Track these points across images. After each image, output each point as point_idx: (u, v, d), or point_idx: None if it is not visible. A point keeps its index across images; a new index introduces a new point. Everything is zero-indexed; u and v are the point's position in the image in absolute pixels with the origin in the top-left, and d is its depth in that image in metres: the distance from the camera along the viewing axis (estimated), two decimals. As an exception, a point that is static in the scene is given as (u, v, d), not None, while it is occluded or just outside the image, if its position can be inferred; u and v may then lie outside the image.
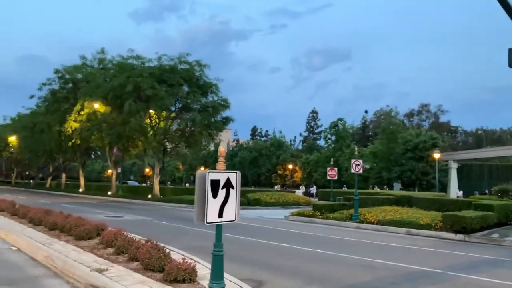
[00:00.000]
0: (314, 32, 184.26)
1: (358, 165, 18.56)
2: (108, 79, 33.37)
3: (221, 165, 4.22)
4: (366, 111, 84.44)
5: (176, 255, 6.94)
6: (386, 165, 47.20)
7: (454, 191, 41.21)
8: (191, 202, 26.16)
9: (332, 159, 30.23)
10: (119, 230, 7.65)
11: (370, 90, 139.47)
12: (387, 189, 47.18)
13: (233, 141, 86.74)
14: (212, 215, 4.08)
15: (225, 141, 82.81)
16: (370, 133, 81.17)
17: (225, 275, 5.99)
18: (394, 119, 59.11)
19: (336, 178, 25.54)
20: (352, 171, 18.66)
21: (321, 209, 19.71)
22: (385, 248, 11.45)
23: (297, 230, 15.12)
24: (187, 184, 68.26)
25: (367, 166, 50.41)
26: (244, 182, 68.71)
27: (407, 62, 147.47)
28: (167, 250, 6.12)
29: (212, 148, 67.50)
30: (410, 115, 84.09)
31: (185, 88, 33.17)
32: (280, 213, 21.66)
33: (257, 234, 13.48)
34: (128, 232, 8.44)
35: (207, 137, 36.43)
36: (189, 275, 5.21)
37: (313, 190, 43.79)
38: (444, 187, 46.86)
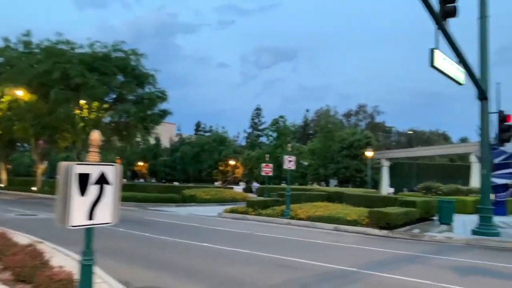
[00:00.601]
0: (263, 30, 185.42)
1: (291, 161, 18.50)
2: (34, 64, 30.74)
3: (93, 156, 3.56)
4: (307, 110, 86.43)
5: (71, 262, 6.13)
6: (323, 162, 48.40)
7: (386, 188, 43.16)
8: (123, 199, 24.84)
9: (267, 155, 30.08)
10: (2, 233, 6.66)
11: (315, 91, 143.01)
12: (325, 185, 48.49)
13: (176, 135, 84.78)
14: (78, 217, 3.41)
15: (167, 135, 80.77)
16: (311, 131, 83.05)
17: (114, 282, 5.33)
18: (332, 118, 60.81)
19: (271, 174, 25.44)
20: (285, 167, 18.57)
21: (254, 205, 19.43)
22: (309, 245, 11.31)
23: (226, 228, 14.66)
24: (124, 180, 65.52)
25: (306, 163, 51.58)
26: (185, 178, 67.32)
27: (351, 65, 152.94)
28: (46, 257, 5.32)
29: (153, 141, 65.43)
30: (348, 115, 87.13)
31: (120, 78, 31.50)
32: (214, 210, 21.10)
33: (181, 233, 12.84)
34: (29, 233, 7.47)
35: (142, 130, 34.90)
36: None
37: (255, 186, 43.80)
38: (377, 184, 48.94)
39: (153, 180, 67.25)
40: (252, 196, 31.00)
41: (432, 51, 10.18)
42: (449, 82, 12.43)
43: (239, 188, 41.49)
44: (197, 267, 7.55)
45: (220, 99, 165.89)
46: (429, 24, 10.20)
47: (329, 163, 47.92)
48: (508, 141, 13.68)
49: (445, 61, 10.83)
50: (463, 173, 43.51)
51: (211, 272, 7.23)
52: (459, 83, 11.89)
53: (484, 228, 13.50)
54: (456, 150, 47.67)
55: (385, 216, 14.38)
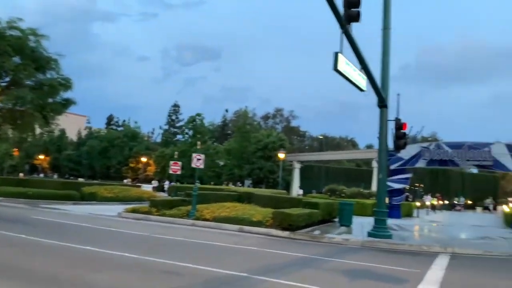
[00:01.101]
0: (186, 26, 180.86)
1: (200, 159, 17.85)
2: None
3: None
4: (226, 110, 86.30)
5: None
6: (238, 162, 48.47)
7: (296, 190, 44.44)
8: (10, 194, 22.11)
9: (176, 153, 29.06)
10: None
11: (237, 92, 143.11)
12: (241, 185, 48.59)
13: (85, 128, 79.18)
14: None
15: (76, 128, 74.90)
16: (229, 132, 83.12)
17: None
18: (250, 120, 61.37)
19: (179, 172, 24.49)
20: (193, 165, 17.86)
21: (158, 205, 18.37)
22: (207, 248, 10.75)
23: (122, 229, 13.48)
24: (21, 174, 59.26)
25: (221, 163, 51.31)
26: (92, 175, 62.94)
27: (273, 69, 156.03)
28: None
29: (57, 133, 60.12)
30: (266, 117, 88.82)
31: (16, 60, 28.07)
32: (115, 210, 19.55)
33: (64, 234, 11.48)
34: None
35: (40, 120, 31.48)
36: None
37: (168, 185, 42.29)
38: (288, 186, 50.29)
39: (55, 176, 61.85)
40: (162, 196, 29.69)
41: (336, 54, 10.24)
42: (359, 92, 13.05)
43: (149, 187, 39.69)
44: (63, 277, 6.53)
45: (138, 93, 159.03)
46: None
47: (244, 164, 48.13)
48: (403, 147, 14.48)
49: (348, 66, 11.01)
50: (367, 177, 46.56)
51: (78, 282, 6.27)
52: (361, 90, 12.23)
53: (379, 231, 14.11)
54: (361, 156, 50.85)
55: (288, 217, 14.38)
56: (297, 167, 49.86)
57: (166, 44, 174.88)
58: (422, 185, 54.12)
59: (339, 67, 10.35)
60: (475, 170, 71.91)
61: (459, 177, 59.65)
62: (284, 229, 14.38)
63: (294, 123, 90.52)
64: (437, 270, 9.22)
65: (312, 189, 46.37)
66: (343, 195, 27.01)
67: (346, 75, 10.80)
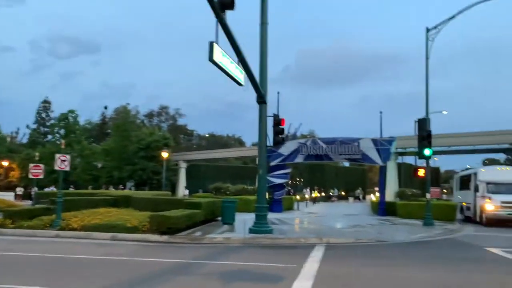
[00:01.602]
0: (61, 16, 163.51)
1: (64, 161, 15.70)
2: None
3: None
4: (106, 107, 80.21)
5: None
6: (118, 163, 45.23)
7: (182, 190, 43.26)
8: None
9: (37, 154, 25.70)
10: None
11: (120, 89, 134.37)
12: (122, 188, 45.39)
13: None
14: None
15: None
16: (109, 130, 77.60)
17: None
18: (132, 118, 57.98)
19: (41, 176, 21.56)
20: (56, 168, 15.64)
21: (14, 216, 15.69)
22: (68, 263, 9.24)
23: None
24: None
25: (99, 165, 47.35)
26: None
27: (159, 66, 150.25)
28: None
29: None
30: (150, 115, 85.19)
31: None
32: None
33: None
34: None
35: None
36: None
37: (35, 191, 37.18)
38: (175, 186, 48.80)
39: None
40: (25, 204, 25.88)
41: (211, 44, 9.65)
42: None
43: (10, 195, 34.54)
44: None
45: (2, 88, 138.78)
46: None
47: (125, 165, 45.07)
48: (282, 143, 14.62)
49: (225, 58, 10.52)
50: (253, 174, 47.45)
51: None
52: (240, 84, 11.88)
53: (260, 227, 14.00)
54: (247, 153, 51.78)
55: (167, 220, 13.41)
56: (183, 166, 48.63)
57: (36, 34, 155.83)
58: (302, 179, 57.44)
59: (215, 58, 9.78)
60: (347, 164, 79.17)
61: (333, 170, 64.88)
62: (162, 233, 13.37)
63: (181, 122, 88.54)
64: (313, 262, 9.26)
65: (199, 188, 45.67)
66: (228, 192, 26.85)
67: (223, 66, 10.30)
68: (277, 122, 14.41)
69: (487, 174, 20.66)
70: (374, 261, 9.87)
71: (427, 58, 18.90)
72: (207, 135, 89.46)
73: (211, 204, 17.25)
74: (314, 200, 42.97)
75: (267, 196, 27.15)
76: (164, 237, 13.16)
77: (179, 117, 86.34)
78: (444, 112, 35.38)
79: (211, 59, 9.72)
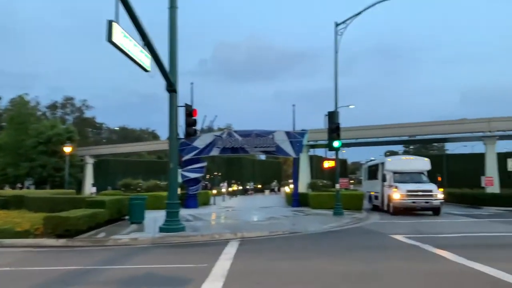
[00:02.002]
0: None
1: None
2: None
3: None
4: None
5: None
6: (13, 160, 40.50)
7: (89, 188, 40.20)
8: None
9: None
10: None
11: (19, 78, 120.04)
12: (20, 187, 40.74)
13: None
14: None
15: None
16: (4, 123, 69.41)
17: None
18: (31, 110, 52.41)
19: None
20: None
21: None
22: None
23: None
24: None
25: (-10, 162, 41.98)
26: None
27: (65, 55, 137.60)
28: None
29: None
30: (53, 107, 78.15)
31: None
32: None
33: None
34: None
35: None
36: None
37: None
38: (81, 184, 45.21)
39: None
40: None
41: (110, 23, 8.59)
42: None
43: None
44: None
45: None
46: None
47: (22, 161, 40.46)
48: (194, 135, 13.88)
49: (127, 40, 9.48)
50: (168, 169, 45.74)
51: None
52: (145, 70, 10.90)
53: (171, 224, 13.16)
54: (160, 147, 49.72)
55: (64, 221, 11.94)
56: (90, 162, 45.19)
57: None
58: (219, 173, 57.06)
59: (115, 39, 8.72)
60: (262, 157, 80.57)
61: (250, 164, 65.55)
62: (59, 236, 11.89)
63: (88, 114, 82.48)
64: (225, 260, 8.76)
65: (109, 185, 42.81)
66: (139, 189, 25.32)
67: (124, 49, 9.25)
68: (189, 112, 13.63)
69: (393, 163, 21.36)
70: (288, 254, 9.67)
71: (336, 52, 19.47)
72: (117, 129, 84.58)
73: (116, 202, 15.88)
74: (231, 194, 42.80)
75: (179, 192, 26.29)
76: (61, 241, 11.71)
77: (86, 109, 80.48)
78: (351, 106, 37.32)
79: (109, 40, 8.65)
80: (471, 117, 29.65)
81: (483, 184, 25.25)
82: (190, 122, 13.64)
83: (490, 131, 27.31)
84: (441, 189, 20.09)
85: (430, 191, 19.07)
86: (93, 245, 11.81)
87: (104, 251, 10.77)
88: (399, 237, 12.10)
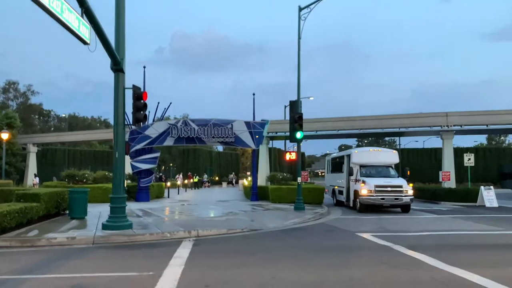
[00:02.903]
0: None
1: None
2: None
3: None
4: None
5: None
6: None
7: (31, 178, 37.10)
8: None
9: None
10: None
11: None
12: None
13: None
14: None
15: None
16: None
17: None
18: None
19: None
20: None
21: None
22: None
23: None
24: None
25: None
26: None
27: (11, 37, 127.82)
28: None
29: None
30: (-6, 91, 72.25)
31: None
32: None
33: None
34: None
35: None
36: None
37: None
38: (23, 174, 41.77)
39: None
40: None
41: (35, -23, 6.92)
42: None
43: None
44: None
45: None
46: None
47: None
48: (143, 121, 12.33)
49: (59, 3, 7.83)
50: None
51: None
52: (84, 42, 9.27)
53: (116, 221, 11.64)
54: (110, 136, 46.85)
55: (-16, 218, 10.13)
56: (33, 151, 41.71)
57: None
58: (175, 165, 55.06)
59: (42, -2, 7.07)
60: (220, 148, 79.01)
61: (207, 155, 63.90)
62: (-20, 235, 10.08)
63: (35, 101, 76.99)
64: (176, 266, 7.48)
65: (55, 176, 39.77)
66: (85, 180, 23.23)
67: (55, 12, 7.62)
68: (138, 96, 12.04)
69: (360, 156, 19.41)
70: (246, 258, 8.50)
71: (299, 38, 18.48)
72: (64, 116, 79.76)
73: (54, 195, 14.03)
74: (185, 187, 41.14)
75: (130, 184, 24.44)
76: (-17, 242, 9.92)
77: (32, 95, 74.95)
78: (311, 98, 36.87)
79: (34, -1, 7.01)
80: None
81: (440, 179, 25.42)
82: (139, 106, 12.07)
83: (447, 126, 27.60)
84: (411, 184, 18.76)
85: (400, 186, 17.44)
86: (20, 245, 10.10)
87: (32, 254, 9.14)
88: (366, 236, 11.31)
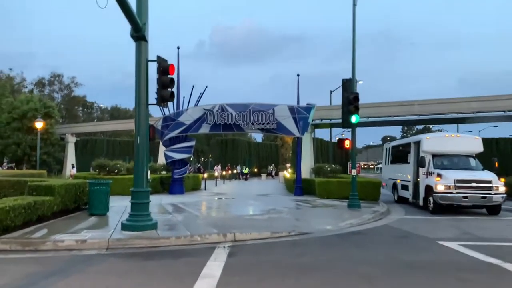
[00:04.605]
0: None
1: None
2: None
3: None
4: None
5: None
6: (-16, 137, 36.74)
7: (70, 168, 36.62)
8: None
9: None
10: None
11: (14, 58, 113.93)
12: None
13: None
14: None
15: None
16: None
17: None
18: (8, 86, 48.12)
19: None
20: None
21: None
22: None
23: None
24: None
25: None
26: None
27: (60, 35, 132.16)
28: None
29: None
30: (40, 84, 73.90)
31: None
32: None
33: None
34: None
35: None
36: None
37: None
38: (61, 164, 41.62)
39: None
40: None
41: None
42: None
43: None
44: None
45: None
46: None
47: (-6, 139, 36.69)
48: (170, 100, 10.18)
49: None
50: (158, 149, 42.19)
51: None
52: (98, 5, 7.19)
53: (137, 220, 9.65)
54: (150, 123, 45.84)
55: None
56: (71, 141, 41.35)
57: None
58: (212, 156, 53.52)
59: None
60: (259, 138, 76.80)
61: (246, 146, 61.95)
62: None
63: (79, 93, 78.29)
64: (202, 293, 5.25)
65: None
66: (116, 171, 21.72)
67: None
68: (164, 69, 9.91)
69: (433, 143, 15.83)
70: (299, 279, 6.14)
71: (353, 14, 15.70)
72: (105, 107, 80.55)
73: (73, 188, 12.27)
74: (223, 178, 39.35)
75: (164, 175, 22.69)
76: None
77: (75, 87, 76.18)
78: (360, 82, 33.63)
79: None
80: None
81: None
82: (165, 82, 9.94)
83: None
84: (503, 179, 14.62)
85: (489, 182, 13.85)
86: (22, 249, 8.32)
87: (27, 263, 7.29)
88: (453, 246, 8.62)
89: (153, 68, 10.05)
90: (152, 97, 10.09)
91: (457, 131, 42.48)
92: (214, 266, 6.79)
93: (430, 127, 72.85)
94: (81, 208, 12.99)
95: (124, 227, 9.64)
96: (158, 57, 9.94)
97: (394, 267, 6.88)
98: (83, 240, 8.64)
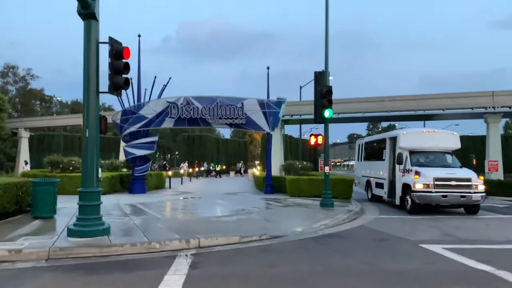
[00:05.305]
0: None
1: None
2: None
3: None
4: None
5: None
6: None
7: (22, 165, 34.17)
8: None
9: None
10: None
11: None
12: None
13: None
14: None
15: None
16: None
17: None
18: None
19: None
20: None
21: None
22: None
23: None
24: None
25: None
26: None
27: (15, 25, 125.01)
28: None
29: None
30: (-6, 75, 69.30)
31: None
32: None
33: None
34: None
35: None
36: None
37: None
38: (13, 160, 38.93)
39: None
40: None
41: None
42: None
43: None
44: None
45: None
46: None
47: None
48: (124, 88, 8.92)
49: None
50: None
51: None
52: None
53: (85, 225, 8.35)
54: (109, 120, 43.70)
55: None
56: (25, 136, 38.73)
57: None
58: (178, 153, 51.87)
59: None
60: (227, 135, 75.51)
61: (214, 142, 60.57)
62: None
63: (36, 85, 73.98)
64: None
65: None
66: (71, 168, 20.03)
67: None
68: (117, 52, 8.63)
69: (410, 138, 15.04)
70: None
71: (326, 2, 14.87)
72: (65, 102, 76.82)
73: (13, 188, 10.74)
74: (190, 176, 37.95)
75: (124, 172, 21.16)
76: None
77: (32, 79, 71.89)
78: (330, 78, 33.03)
79: None
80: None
81: (486, 170, 21.90)
82: (118, 67, 8.67)
83: (493, 107, 23.79)
84: (482, 177, 14.13)
85: (469, 180, 13.23)
86: None
87: None
88: (437, 249, 7.93)
89: (105, 52, 8.76)
90: (105, 84, 8.79)
91: (424, 128, 42.79)
92: (173, 282, 5.69)
93: (396, 124, 73.99)
94: (24, 210, 11.47)
95: (71, 233, 8.34)
96: (111, 38, 8.66)
97: (384, 279, 6.00)
98: (18, 250, 7.30)
